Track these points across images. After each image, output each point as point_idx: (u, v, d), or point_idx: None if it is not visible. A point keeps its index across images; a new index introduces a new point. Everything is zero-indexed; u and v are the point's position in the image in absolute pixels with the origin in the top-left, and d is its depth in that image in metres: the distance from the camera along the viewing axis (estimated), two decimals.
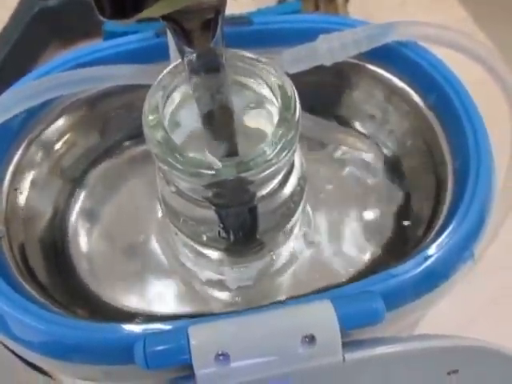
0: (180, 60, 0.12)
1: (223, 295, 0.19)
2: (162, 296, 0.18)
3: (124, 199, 0.20)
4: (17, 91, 0.16)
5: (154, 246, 0.19)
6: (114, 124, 0.20)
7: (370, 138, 0.21)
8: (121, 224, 0.20)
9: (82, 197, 0.20)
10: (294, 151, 0.14)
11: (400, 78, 0.19)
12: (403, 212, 0.19)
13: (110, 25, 0.19)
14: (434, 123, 0.18)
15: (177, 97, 0.13)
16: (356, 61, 0.19)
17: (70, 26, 0.34)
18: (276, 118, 0.12)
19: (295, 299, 0.13)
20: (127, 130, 0.21)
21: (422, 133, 0.19)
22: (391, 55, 0.18)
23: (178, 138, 0.14)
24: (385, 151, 0.20)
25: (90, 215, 0.19)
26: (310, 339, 0.12)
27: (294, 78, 0.18)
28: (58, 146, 0.19)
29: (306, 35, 0.18)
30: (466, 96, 0.17)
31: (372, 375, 0.12)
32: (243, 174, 0.13)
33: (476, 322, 0.25)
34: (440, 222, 0.16)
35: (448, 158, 0.17)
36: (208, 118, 0.13)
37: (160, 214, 0.20)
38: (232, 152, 0.14)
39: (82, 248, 0.19)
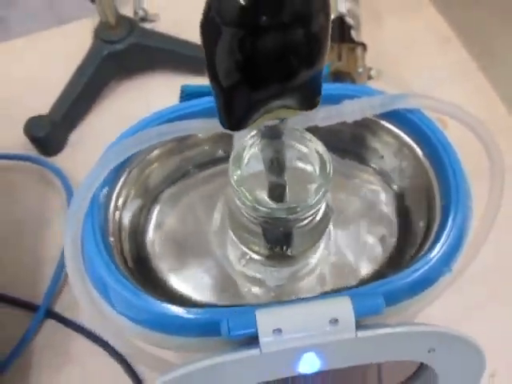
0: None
1: (262, 291, 0.25)
2: (215, 289, 0.25)
3: (187, 212, 0.27)
4: (132, 139, 0.22)
5: (212, 250, 0.26)
6: (186, 157, 0.27)
7: (381, 174, 0.27)
8: (185, 231, 0.26)
9: (156, 211, 0.27)
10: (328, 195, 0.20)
11: (406, 134, 0.25)
12: (403, 234, 0.25)
13: (188, 87, 0.25)
14: (429, 169, 0.24)
15: (253, 149, 0.20)
16: (375, 119, 0.25)
17: (131, 64, 0.41)
18: (316, 173, 0.19)
19: (327, 294, 0.19)
20: (195, 161, 0.27)
21: (420, 175, 0.25)
22: (399, 117, 0.24)
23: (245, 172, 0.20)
24: (392, 186, 0.26)
25: (161, 225, 0.26)
26: (335, 321, 0.18)
27: (327, 128, 0.24)
28: (147, 172, 0.26)
29: (335, 98, 0.24)
30: (452, 152, 0.23)
31: (375, 348, 0.19)
32: (290, 216, 0.19)
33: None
34: (428, 244, 0.22)
35: (438, 197, 0.23)
36: (269, 168, 0.19)
37: (216, 224, 0.26)
38: (282, 193, 0.20)
39: (157, 251, 0.26)
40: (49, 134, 0.37)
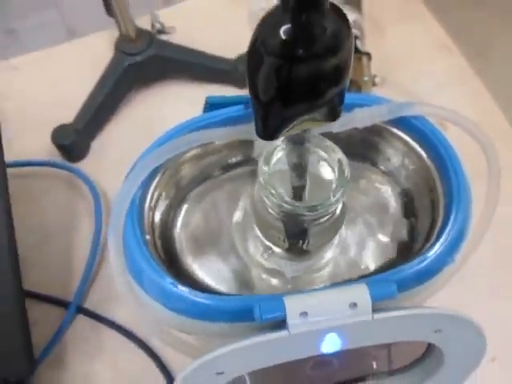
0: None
1: (280, 282, 0.28)
2: (237, 281, 0.27)
3: (211, 210, 0.29)
4: (168, 145, 0.24)
5: (233, 243, 0.28)
6: (211, 161, 0.29)
7: (388, 176, 0.29)
8: (209, 228, 0.29)
9: (183, 210, 0.29)
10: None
11: (411, 138, 0.27)
12: (409, 229, 0.28)
13: (212, 98, 0.28)
14: (432, 170, 0.26)
15: (280, 153, 0.22)
16: (383, 125, 0.27)
17: (149, 74, 0.43)
18: (335, 176, 0.21)
19: (346, 282, 0.22)
20: (217, 165, 0.30)
21: (424, 176, 0.27)
22: (405, 124, 0.27)
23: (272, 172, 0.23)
24: (399, 186, 0.29)
25: (187, 222, 0.28)
26: (354, 305, 0.20)
27: (341, 133, 0.26)
28: (176, 175, 0.28)
29: (347, 107, 0.26)
30: (454, 154, 0.25)
31: (389, 329, 0.21)
32: (311, 213, 0.21)
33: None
34: (433, 238, 0.24)
35: (441, 195, 0.25)
36: (293, 170, 0.22)
37: (237, 221, 0.29)
38: (302, 193, 0.23)
39: (183, 246, 0.28)
40: (73, 141, 0.40)
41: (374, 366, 0.29)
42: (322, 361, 0.25)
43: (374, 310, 0.20)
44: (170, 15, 0.45)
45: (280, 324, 0.21)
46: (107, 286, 0.37)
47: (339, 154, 0.21)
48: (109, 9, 0.49)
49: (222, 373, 0.22)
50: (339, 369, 0.28)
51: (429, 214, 0.27)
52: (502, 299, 0.37)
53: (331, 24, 0.14)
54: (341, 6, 0.40)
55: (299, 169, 0.22)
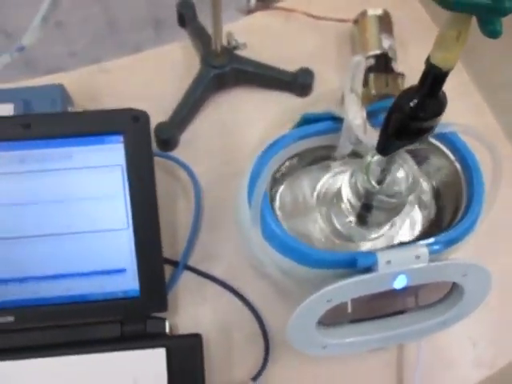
0: None
1: (352, 245, 0.40)
2: (320, 243, 0.40)
3: (299, 191, 0.42)
4: (284, 151, 0.36)
5: (315, 216, 0.41)
6: (304, 156, 0.41)
7: (426, 173, 0.42)
8: (295, 201, 0.41)
9: (280, 189, 0.41)
10: None
11: (445, 147, 0.39)
12: (439, 213, 0.41)
13: (306, 115, 0.39)
14: (459, 170, 0.39)
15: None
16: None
17: (227, 83, 0.54)
18: (408, 180, 0.33)
19: (412, 243, 0.34)
20: (309, 159, 0.42)
21: (453, 174, 0.40)
22: (443, 137, 0.39)
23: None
24: (433, 182, 0.41)
25: (283, 198, 0.41)
26: (418, 257, 0.33)
27: None
28: (280, 168, 0.40)
29: None
30: (474, 158, 0.38)
31: (437, 272, 0.34)
32: (387, 198, 0.33)
33: None
34: (457, 219, 0.37)
35: (464, 188, 0.38)
36: (381, 168, 0.34)
37: (315, 197, 0.41)
38: (382, 184, 0.35)
39: (280, 214, 0.40)
40: (171, 136, 0.50)
41: (408, 304, 0.42)
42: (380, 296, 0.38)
43: (429, 260, 0.33)
44: (235, 31, 0.55)
45: (367, 270, 0.33)
46: (207, 247, 0.48)
47: (414, 167, 0.34)
48: (182, 21, 0.59)
49: (330, 300, 0.34)
50: (388, 304, 0.40)
51: (453, 201, 0.39)
52: (498, 258, 0.50)
53: (439, 101, 0.26)
54: (379, 36, 0.53)
55: (386, 169, 0.34)
